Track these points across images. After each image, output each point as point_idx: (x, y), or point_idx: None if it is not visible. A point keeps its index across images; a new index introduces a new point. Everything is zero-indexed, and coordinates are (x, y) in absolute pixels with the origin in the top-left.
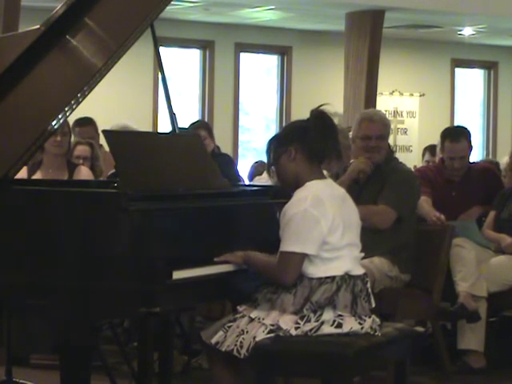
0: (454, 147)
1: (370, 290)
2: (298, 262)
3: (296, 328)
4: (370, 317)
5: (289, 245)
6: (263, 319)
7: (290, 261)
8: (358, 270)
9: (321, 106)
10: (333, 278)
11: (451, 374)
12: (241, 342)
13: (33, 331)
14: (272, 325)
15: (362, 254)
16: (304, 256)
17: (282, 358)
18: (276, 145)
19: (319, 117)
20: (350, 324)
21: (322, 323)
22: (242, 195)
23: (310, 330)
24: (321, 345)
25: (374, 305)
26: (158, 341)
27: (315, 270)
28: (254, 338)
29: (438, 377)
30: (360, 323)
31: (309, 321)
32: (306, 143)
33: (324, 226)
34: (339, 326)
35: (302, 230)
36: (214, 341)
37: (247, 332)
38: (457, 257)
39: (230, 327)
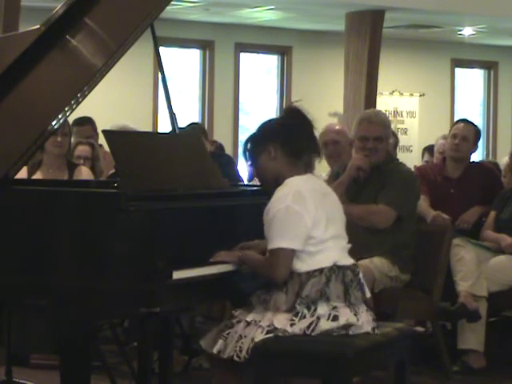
0: (462, 127)
1: (362, 280)
2: (287, 258)
3: (291, 325)
4: (364, 308)
5: (276, 242)
6: (259, 321)
7: (279, 257)
8: (347, 260)
9: (293, 102)
10: (321, 270)
11: (451, 374)
12: (240, 347)
13: (33, 331)
14: (268, 326)
15: (350, 245)
16: (292, 251)
17: (281, 358)
18: (253, 145)
19: (294, 112)
20: (346, 315)
21: (318, 318)
22: (242, 195)
23: (308, 327)
24: (320, 345)
25: (368, 295)
26: (157, 341)
27: (303, 265)
28: (253, 340)
29: (438, 377)
30: (355, 314)
31: (304, 317)
32: (284, 140)
33: (308, 220)
34: (335, 318)
35: (287, 226)
36: (215, 350)
37: (245, 336)
38: (457, 257)
39: (228, 334)
